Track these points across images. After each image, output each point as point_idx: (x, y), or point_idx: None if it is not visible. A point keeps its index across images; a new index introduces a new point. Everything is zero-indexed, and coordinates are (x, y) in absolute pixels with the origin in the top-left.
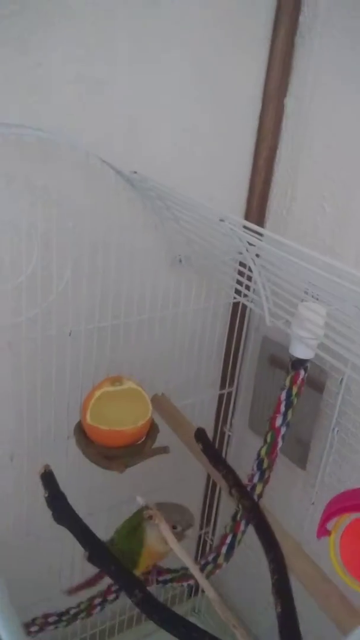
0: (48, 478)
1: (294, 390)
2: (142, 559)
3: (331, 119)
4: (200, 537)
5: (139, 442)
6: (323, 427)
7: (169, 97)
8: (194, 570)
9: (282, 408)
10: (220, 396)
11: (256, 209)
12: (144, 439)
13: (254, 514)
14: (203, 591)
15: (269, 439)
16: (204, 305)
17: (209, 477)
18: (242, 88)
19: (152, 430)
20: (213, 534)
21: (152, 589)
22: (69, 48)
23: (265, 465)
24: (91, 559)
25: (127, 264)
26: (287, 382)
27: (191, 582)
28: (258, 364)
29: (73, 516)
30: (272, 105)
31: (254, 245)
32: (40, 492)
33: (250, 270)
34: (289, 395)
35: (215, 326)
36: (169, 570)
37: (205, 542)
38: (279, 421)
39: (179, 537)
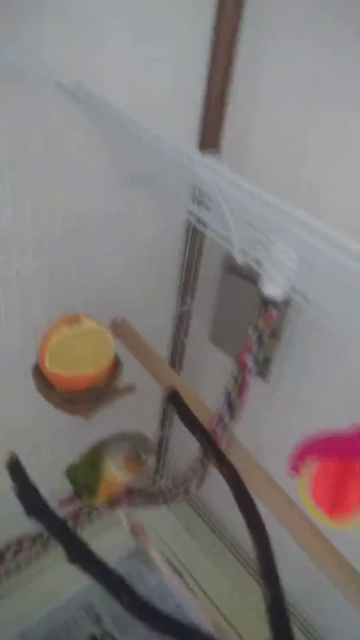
0: (15, 469)
1: (266, 330)
2: (101, 488)
3: None
4: (160, 438)
5: (104, 382)
6: (285, 341)
7: None
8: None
9: (252, 347)
10: (181, 312)
11: (214, 109)
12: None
13: (234, 484)
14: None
15: (238, 378)
16: (160, 227)
17: None
18: None
19: (116, 367)
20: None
21: None
22: None
23: (235, 404)
24: (72, 560)
25: (75, 188)
26: (259, 322)
27: (162, 505)
28: (221, 276)
29: (47, 512)
30: None
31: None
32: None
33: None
34: (260, 334)
35: (174, 245)
36: (140, 492)
37: (167, 440)
38: (248, 360)
39: (141, 464)
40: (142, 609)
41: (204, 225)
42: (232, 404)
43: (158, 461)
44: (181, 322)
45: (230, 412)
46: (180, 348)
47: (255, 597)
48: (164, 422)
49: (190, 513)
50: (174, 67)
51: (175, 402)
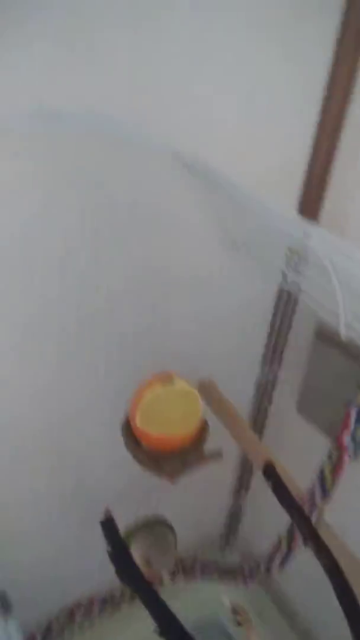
0: (109, 527)
1: None
2: None
3: None
4: (231, 507)
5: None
6: None
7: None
8: None
9: (352, 425)
10: (267, 379)
11: (318, 172)
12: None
13: (335, 577)
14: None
15: (333, 457)
16: (251, 291)
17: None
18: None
19: (203, 431)
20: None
21: None
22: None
23: (328, 483)
24: (162, 634)
25: (175, 250)
26: None
27: (240, 583)
28: (313, 345)
29: (138, 578)
30: (343, 69)
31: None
32: None
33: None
34: None
35: (264, 309)
36: (216, 566)
37: (240, 507)
38: (346, 439)
39: (153, 574)
40: None
41: (298, 291)
42: (325, 484)
43: (227, 536)
44: (266, 389)
45: (322, 492)
46: (263, 416)
47: None
48: (238, 489)
49: (262, 595)
50: (280, 137)
51: (271, 476)
